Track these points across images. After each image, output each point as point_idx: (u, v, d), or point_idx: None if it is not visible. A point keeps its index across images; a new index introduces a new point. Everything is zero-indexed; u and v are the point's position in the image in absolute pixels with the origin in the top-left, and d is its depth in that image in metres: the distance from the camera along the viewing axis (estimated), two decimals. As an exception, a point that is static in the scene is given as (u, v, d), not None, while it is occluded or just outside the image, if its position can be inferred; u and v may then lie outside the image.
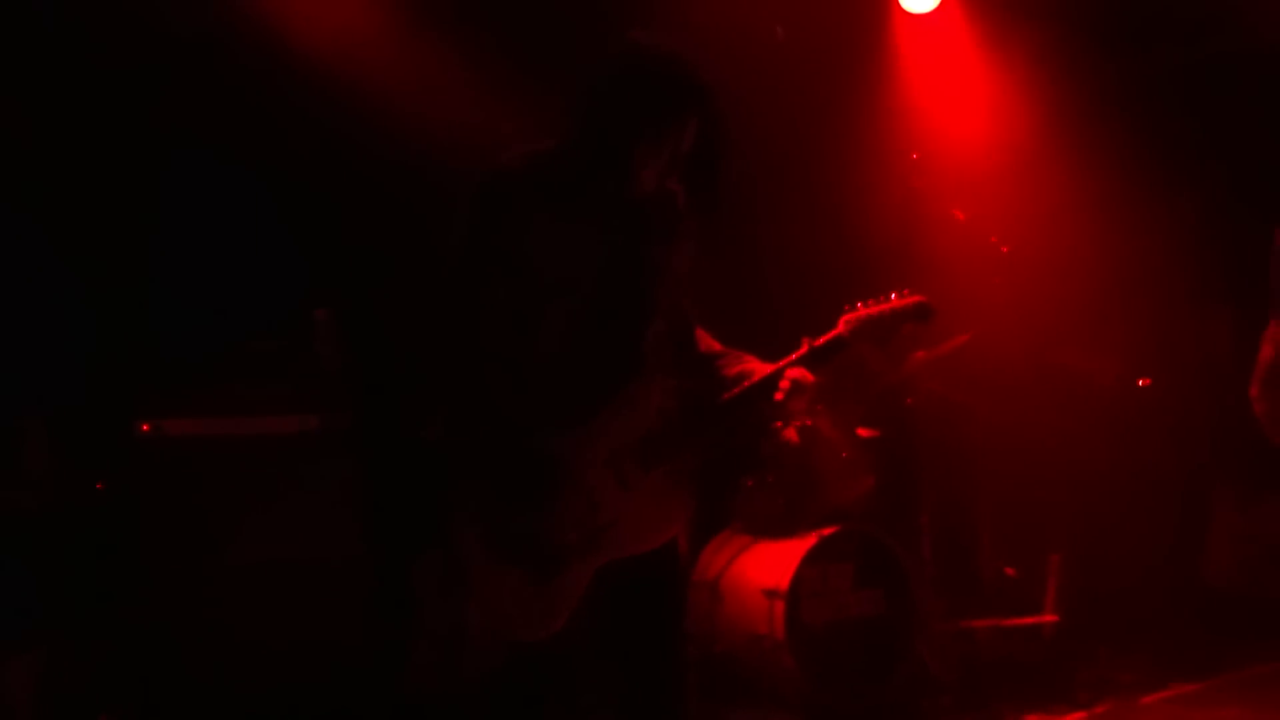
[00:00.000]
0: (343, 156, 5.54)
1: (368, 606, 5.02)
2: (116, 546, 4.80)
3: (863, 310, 3.43)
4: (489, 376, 3.23)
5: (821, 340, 3.39)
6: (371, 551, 5.06)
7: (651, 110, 3.13)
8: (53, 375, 4.99)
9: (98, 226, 5.15)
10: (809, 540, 5.77)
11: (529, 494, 3.19)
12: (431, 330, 3.31)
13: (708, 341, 3.56)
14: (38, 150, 5.05)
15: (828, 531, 5.82)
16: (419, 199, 5.35)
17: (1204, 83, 7.12)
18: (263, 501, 4.94)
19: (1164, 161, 7.12)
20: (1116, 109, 7.08)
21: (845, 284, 3.94)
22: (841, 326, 3.42)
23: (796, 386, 3.32)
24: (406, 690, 5.23)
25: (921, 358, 5.99)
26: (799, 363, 3.37)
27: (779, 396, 3.29)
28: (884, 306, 3.43)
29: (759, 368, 3.40)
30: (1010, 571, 6.39)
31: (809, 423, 5.93)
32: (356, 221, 5.75)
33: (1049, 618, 6.17)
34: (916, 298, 3.43)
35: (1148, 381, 7.18)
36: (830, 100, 6.79)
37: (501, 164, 3.22)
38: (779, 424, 5.92)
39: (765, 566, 5.86)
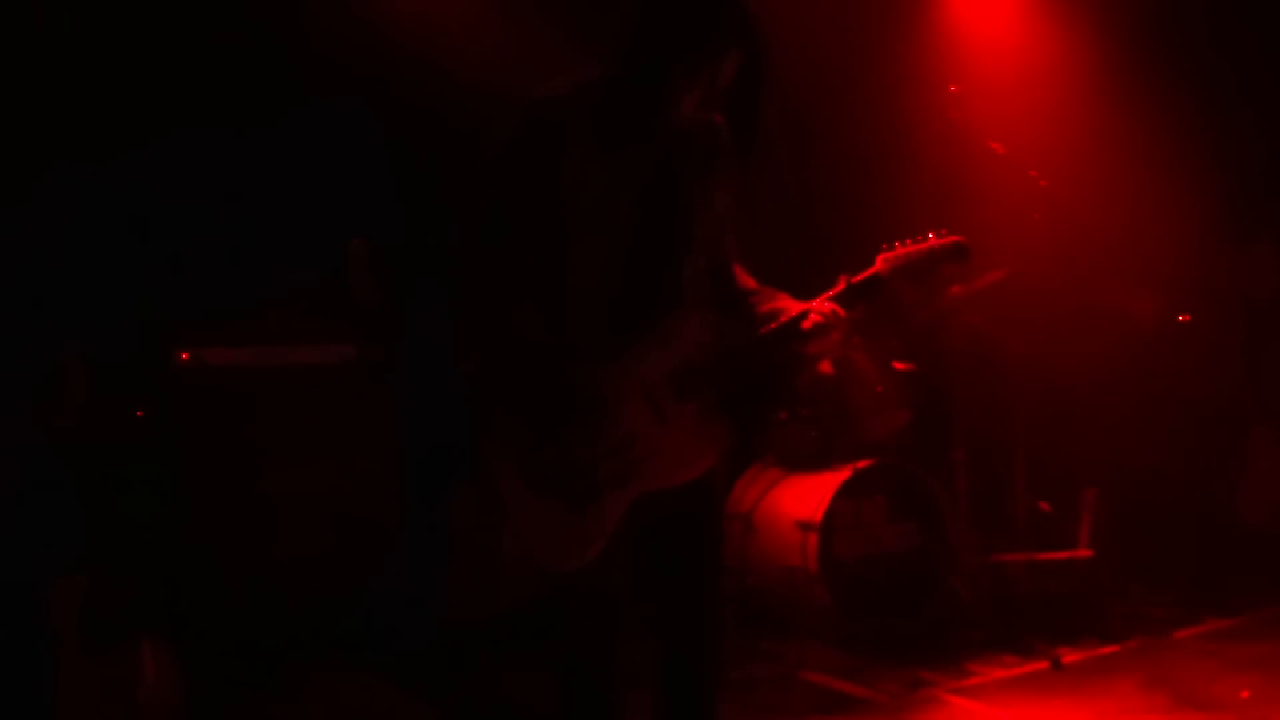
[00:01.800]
0: (382, 86, 5.52)
1: (404, 535, 5.04)
2: (157, 474, 4.89)
3: (900, 250, 3.43)
4: (526, 307, 3.22)
5: (859, 278, 3.40)
6: (408, 481, 5.06)
7: (692, 34, 3.11)
8: (93, 304, 5.05)
9: (136, 157, 5.16)
10: (843, 473, 5.80)
11: (564, 425, 3.20)
12: (468, 260, 3.28)
13: (745, 278, 3.57)
14: (67, 73, 5.07)
15: (862, 465, 5.85)
16: (458, 128, 5.32)
17: (1250, 10, 6.96)
18: (300, 431, 4.91)
19: (1206, 94, 7.07)
20: (1159, 39, 7.01)
21: (882, 220, 3.92)
22: (879, 265, 3.42)
23: (831, 322, 3.34)
24: (442, 617, 5.25)
25: (958, 292, 5.96)
26: (835, 299, 3.40)
27: (808, 326, 3.33)
28: (922, 246, 3.42)
29: (793, 305, 3.41)
30: (1044, 506, 6.41)
31: (844, 355, 5.97)
32: (394, 152, 5.74)
33: (1083, 553, 6.19)
34: (954, 238, 3.43)
35: (1187, 318, 7.12)
36: (867, 33, 6.75)
37: (544, 93, 3.20)
38: (814, 358, 5.96)
39: (799, 499, 5.90)
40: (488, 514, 4.58)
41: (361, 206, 5.42)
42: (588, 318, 3.24)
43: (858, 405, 6.00)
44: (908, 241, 3.45)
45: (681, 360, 3.28)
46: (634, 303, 3.26)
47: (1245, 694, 4.89)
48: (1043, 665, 5.40)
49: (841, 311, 3.35)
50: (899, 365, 6.18)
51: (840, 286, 3.40)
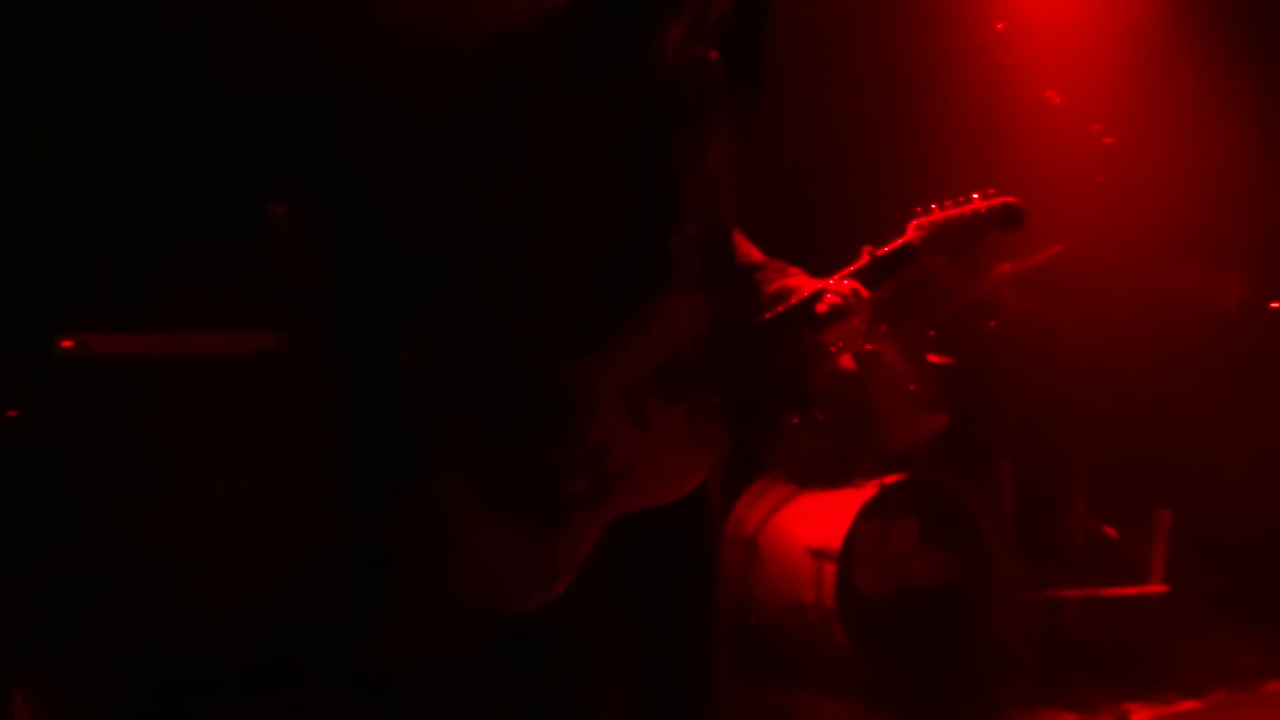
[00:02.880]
0: (310, 23, 5.42)
1: (336, 562, 4.97)
2: (35, 488, 4.79)
3: (937, 214, 3.46)
4: (483, 290, 3.25)
5: (886, 249, 3.44)
6: (341, 497, 5.00)
7: None
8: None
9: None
10: (866, 491, 5.81)
11: (527, 431, 3.22)
12: (416, 232, 3.36)
13: (747, 250, 3.59)
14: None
15: (889, 480, 5.85)
16: (404, 71, 5.30)
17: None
18: (212, 437, 4.93)
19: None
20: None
21: (915, 182, 3.93)
22: (911, 233, 3.46)
23: (852, 304, 3.36)
24: (380, 658, 5.19)
25: (1006, 271, 5.96)
26: (858, 276, 3.42)
27: (824, 309, 3.36)
28: (962, 210, 3.46)
29: (807, 283, 3.43)
30: (1110, 531, 6.40)
31: (868, 348, 5.94)
32: (326, 99, 5.66)
33: (1156, 588, 6.22)
34: (1001, 199, 3.45)
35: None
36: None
37: (504, 29, 3.21)
38: (832, 350, 5.89)
39: (813, 521, 5.91)
40: (435, 538, 4.53)
41: (286, 157, 5.31)
42: (557, 300, 3.26)
43: (885, 407, 6.01)
44: (947, 204, 3.48)
45: (668, 352, 3.30)
46: (612, 282, 3.27)
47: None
48: (1107, 725, 5.10)
49: (864, 291, 3.39)
50: (935, 359, 6.18)
51: (864, 260, 3.44)
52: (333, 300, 5.24)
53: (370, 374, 5.25)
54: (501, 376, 3.24)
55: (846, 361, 6.03)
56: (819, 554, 5.74)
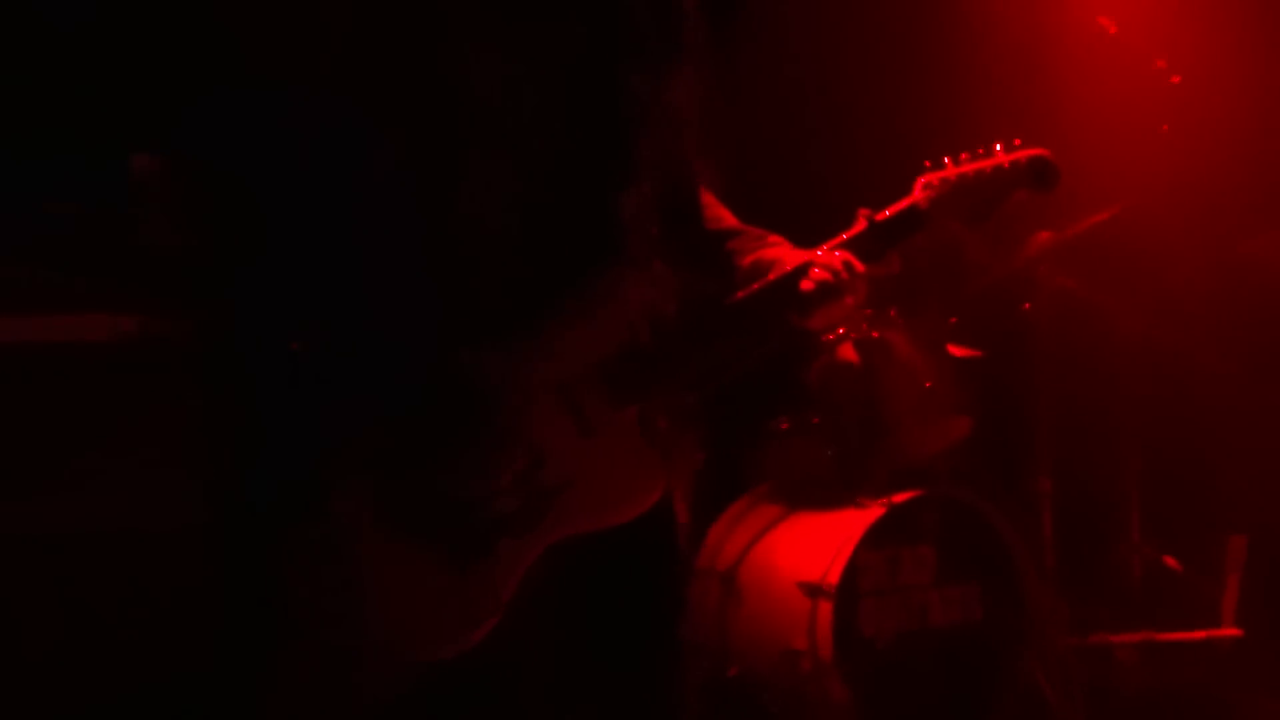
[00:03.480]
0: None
1: (212, 601, 4.92)
2: None
3: (950, 170, 3.47)
4: (389, 265, 3.27)
5: (887, 213, 3.45)
6: (218, 521, 4.95)
7: None
8: None
9: None
10: (872, 512, 5.83)
11: (443, 438, 3.23)
12: (311, 193, 3.32)
13: (717, 213, 3.63)
14: None
15: (900, 499, 5.88)
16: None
17: None
18: (60, 444, 4.90)
19: None
20: None
21: (930, 130, 3.90)
22: (917, 193, 3.46)
23: (845, 280, 3.37)
24: (273, 720, 5.15)
25: (1045, 242, 5.93)
26: (852, 246, 3.42)
27: (810, 286, 3.35)
28: (980, 165, 3.47)
29: (791, 255, 3.45)
30: (1171, 562, 6.37)
31: (874, 336, 5.96)
32: (202, 28, 5.61)
33: (1228, 631, 6.24)
34: (1029, 152, 3.45)
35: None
36: None
37: None
38: (826, 338, 5.93)
39: (805, 550, 5.92)
40: (331, 571, 4.50)
41: (153, 99, 5.26)
42: (479, 276, 3.27)
43: (895, 410, 6.04)
44: (962, 158, 3.48)
45: (619, 340, 3.31)
46: (548, 252, 3.28)
47: None
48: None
49: (859, 265, 3.38)
50: (957, 351, 6.20)
51: (860, 226, 3.44)
52: (210, 276, 5.15)
53: (255, 368, 5.14)
54: (412, 370, 3.25)
55: (847, 353, 6.06)
56: (813, 590, 5.72)
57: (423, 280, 3.25)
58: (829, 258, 3.37)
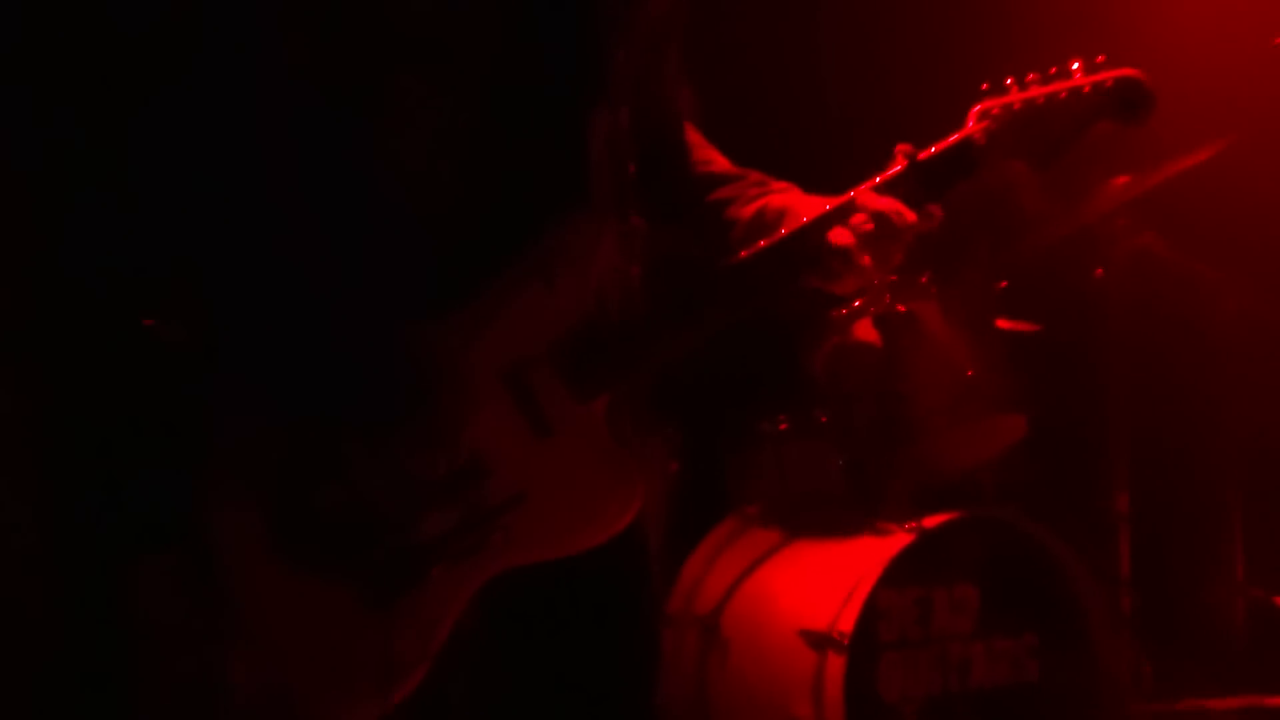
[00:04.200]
0: None
1: (40, 650, 4.33)
2: None
3: (1014, 94, 3.07)
4: (283, 211, 2.88)
5: (933, 150, 3.06)
6: (49, 548, 4.40)
7: None
8: None
9: None
10: (896, 540, 5.25)
11: (355, 441, 2.85)
12: (172, 118, 2.86)
13: (708, 154, 3.35)
14: None
15: (932, 522, 5.31)
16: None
17: None
18: None
19: None
20: None
21: (983, 47, 3.76)
22: (971, 125, 3.07)
23: (875, 235, 2.97)
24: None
25: (1124, 189, 5.53)
26: (886, 192, 3.00)
27: (832, 241, 2.95)
28: (1053, 89, 3.05)
29: (804, 203, 3.13)
30: (1282, 604, 6.31)
31: (900, 310, 5.47)
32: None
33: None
34: (1121, 71, 3.02)
35: None
36: None
37: None
38: (842, 310, 5.38)
39: (810, 588, 5.36)
40: (202, 611, 3.96)
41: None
42: (401, 225, 2.93)
43: (926, 405, 5.47)
44: (1029, 80, 3.07)
45: (579, 313, 2.96)
46: (489, 198, 2.96)
47: None
48: None
49: (902, 216, 2.96)
50: (1009, 326, 5.66)
51: (897, 167, 3.04)
52: (32, 236, 4.67)
53: (94, 353, 4.64)
54: (311, 352, 2.84)
55: (865, 331, 5.48)
56: (820, 640, 5.08)
57: (328, 232, 2.89)
58: (869, 199, 2.96)
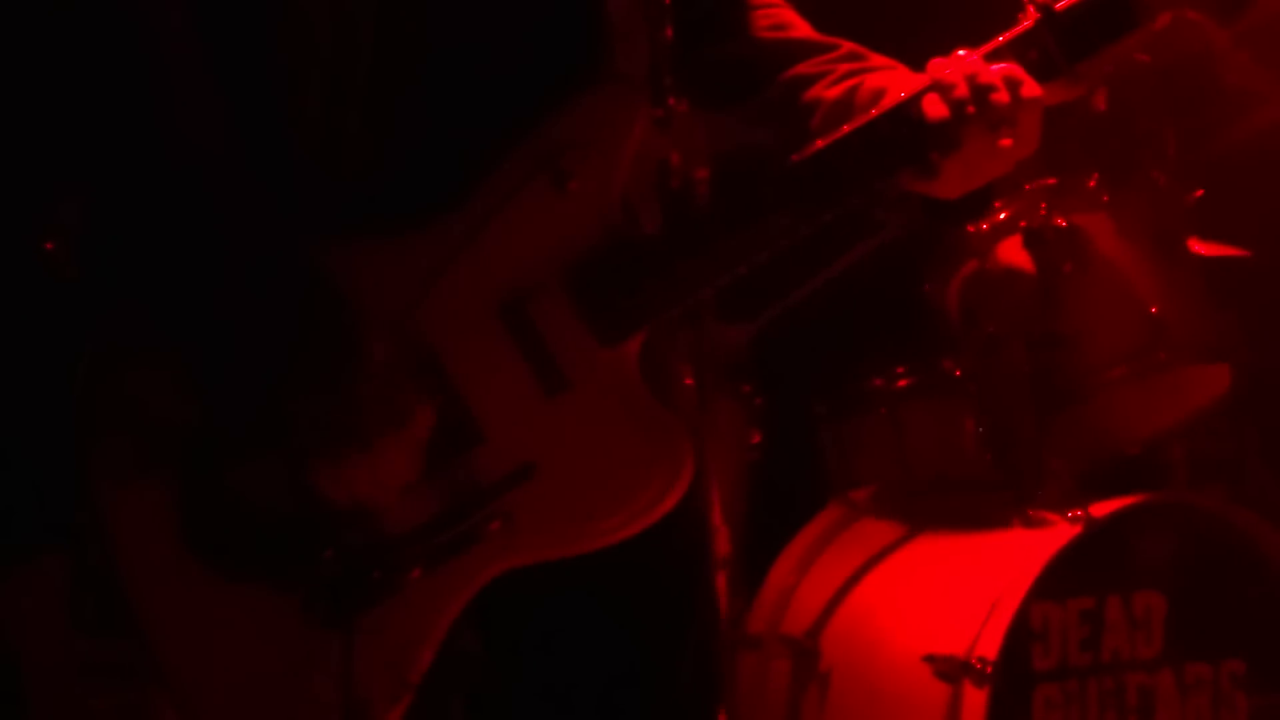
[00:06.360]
0: None
1: None
2: None
3: None
4: (191, 96, 2.51)
5: None
6: None
7: None
8: None
9: None
10: (1054, 532, 4.71)
11: (294, 403, 2.49)
12: (67, 25, 2.50)
13: (781, 17, 2.89)
14: None
15: (1103, 511, 4.70)
16: None
17: None
18: None
19: None
20: None
21: None
22: None
23: (1003, 109, 2.51)
24: None
25: None
26: (1015, 53, 2.56)
27: (940, 114, 2.48)
28: None
29: (910, 80, 2.69)
30: None
31: (1061, 224, 4.84)
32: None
33: None
34: None
35: None
36: None
37: None
38: (982, 227, 4.83)
39: (940, 600, 4.91)
40: (103, 628, 3.51)
41: None
42: (349, 105, 2.52)
43: (1096, 354, 4.83)
44: None
45: (603, 224, 2.54)
46: (473, 61, 2.57)
47: None
48: None
49: (1033, 84, 2.50)
50: (1206, 249, 5.19)
51: (1029, 22, 2.59)
52: None
53: None
54: (238, 282, 2.49)
55: (1012, 253, 4.94)
56: (953, 669, 4.53)
57: (250, 118, 2.52)
58: (975, 67, 2.51)
